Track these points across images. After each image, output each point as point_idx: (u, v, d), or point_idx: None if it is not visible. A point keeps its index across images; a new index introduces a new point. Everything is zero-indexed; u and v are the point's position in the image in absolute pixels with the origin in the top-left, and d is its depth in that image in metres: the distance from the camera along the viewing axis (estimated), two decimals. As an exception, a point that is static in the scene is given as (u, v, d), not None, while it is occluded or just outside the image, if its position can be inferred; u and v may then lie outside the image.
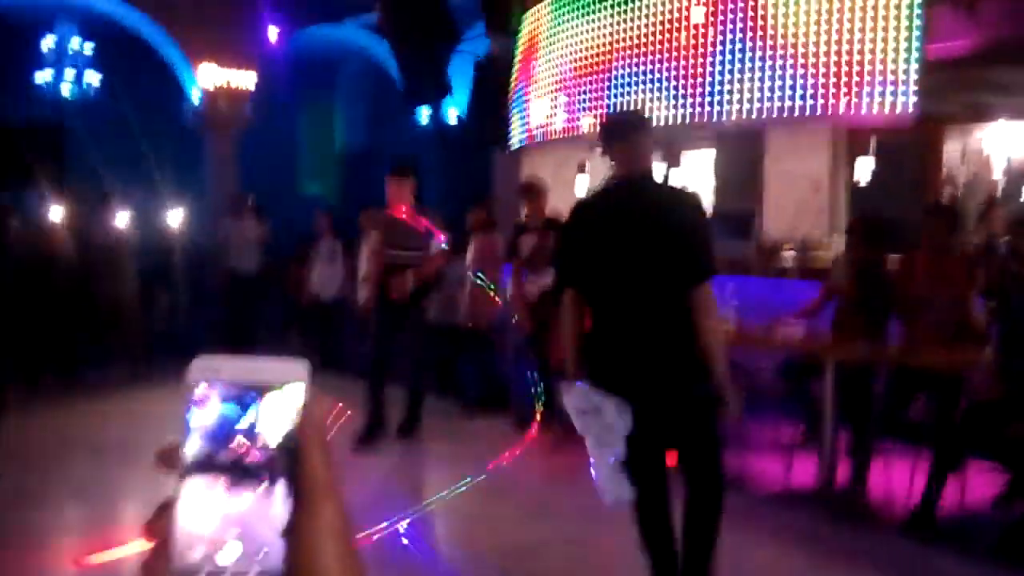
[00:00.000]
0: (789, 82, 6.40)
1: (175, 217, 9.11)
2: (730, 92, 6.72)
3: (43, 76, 11.04)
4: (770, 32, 6.53)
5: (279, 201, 11.24)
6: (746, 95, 6.64)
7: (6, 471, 4.85)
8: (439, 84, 9.53)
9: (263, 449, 0.46)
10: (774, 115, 6.52)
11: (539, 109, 8.70)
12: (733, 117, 6.67)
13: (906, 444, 4.34)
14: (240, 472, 0.46)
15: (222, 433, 0.46)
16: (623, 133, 2.95)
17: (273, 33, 10.11)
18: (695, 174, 9.25)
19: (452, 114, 11.40)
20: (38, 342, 7.52)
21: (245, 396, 0.46)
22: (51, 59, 11.07)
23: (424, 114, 12.51)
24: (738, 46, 6.67)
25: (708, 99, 6.85)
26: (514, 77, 9.29)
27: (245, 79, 11.37)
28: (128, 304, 7.82)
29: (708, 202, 8.80)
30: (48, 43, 11.02)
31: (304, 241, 8.55)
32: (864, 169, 7.21)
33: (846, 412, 4.31)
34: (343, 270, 7.95)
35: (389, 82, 11.63)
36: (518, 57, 9.22)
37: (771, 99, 6.50)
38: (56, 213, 7.86)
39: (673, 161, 9.40)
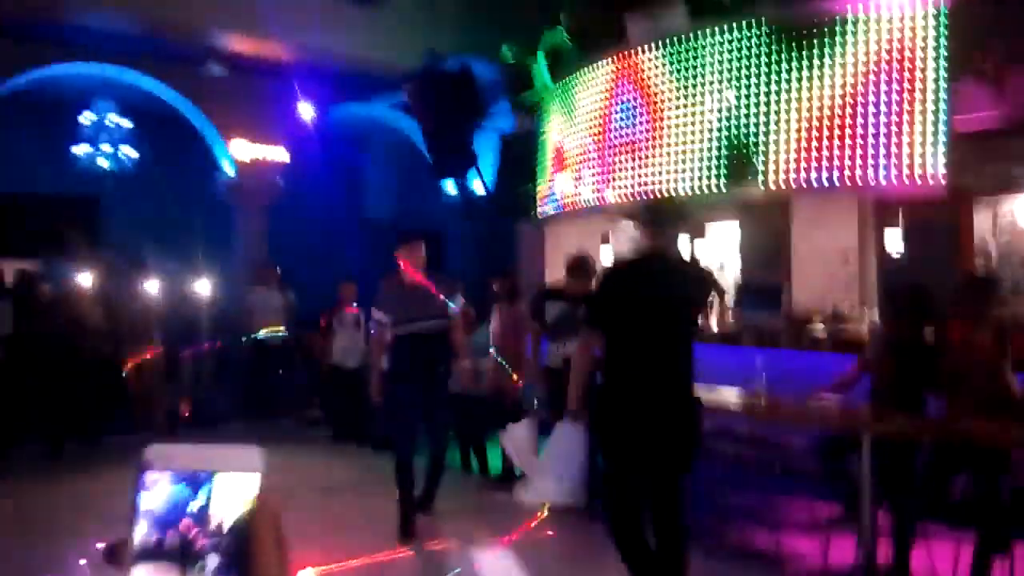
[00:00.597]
0: (815, 153, 6.42)
1: (204, 286, 9.22)
2: (756, 164, 6.75)
3: (81, 149, 11.38)
4: (794, 104, 6.59)
5: (306, 271, 11.36)
6: (771, 166, 6.66)
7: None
8: (465, 158, 9.70)
9: (213, 533, 0.45)
10: (800, 186, 6.52)
11: (564, 181, 8.80)
12: (760, 188, 6.68)
13: (949, 524, 4.15)
14: (188, 556, 0.45)
15: (171, 516, 0.45)
16: (660, 222, 3.61)
17: (305, 111, 10.41)
18: (720, 246, 9.23)
19: (477, 186, 11.57)
20: (63, 407, 7.54)
21: (196, 480, 0.46)
22: (89, 133, 11.43)
23: (450, 186, 12.69)
24: (762, 118, 6.73)
25: (733, 172, 6.88)
26: (540, 150, 9.44)
27: (276, 153, 11.66)
28: (153, 371, 7.86)
29: (733, 274, 8.77)
30: (87, 118, 11.40)
31: (328, 310, 8.59)
32: (894, 240, 7.15)
33: (885, 489, 4.14)
34: (365, 339, 7.95)
35: (416, 155, 11.87)
36: (544, 130, 9.38)
37: (796, 170, 6.51)
38: (87, 281, 7.98)
39: (697, 233, 9.41)
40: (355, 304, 8.13)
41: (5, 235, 11.69)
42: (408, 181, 14.36)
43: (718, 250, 9.29)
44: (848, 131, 6.33)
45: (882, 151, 6.23)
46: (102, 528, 4.94)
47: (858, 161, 6.30)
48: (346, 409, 8.26)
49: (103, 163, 11.55)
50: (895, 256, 7.12)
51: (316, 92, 11.24)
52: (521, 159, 9.76)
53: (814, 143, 6.47)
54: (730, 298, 7.87)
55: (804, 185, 6.52)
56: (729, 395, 4.95)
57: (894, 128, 6.21)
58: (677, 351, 3.42)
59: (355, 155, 15.28)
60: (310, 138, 11.08)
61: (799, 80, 6.55)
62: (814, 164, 6.45)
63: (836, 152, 6.37)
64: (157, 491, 0.46)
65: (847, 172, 6.34)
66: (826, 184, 6.38)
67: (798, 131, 6.55)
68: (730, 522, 4.74)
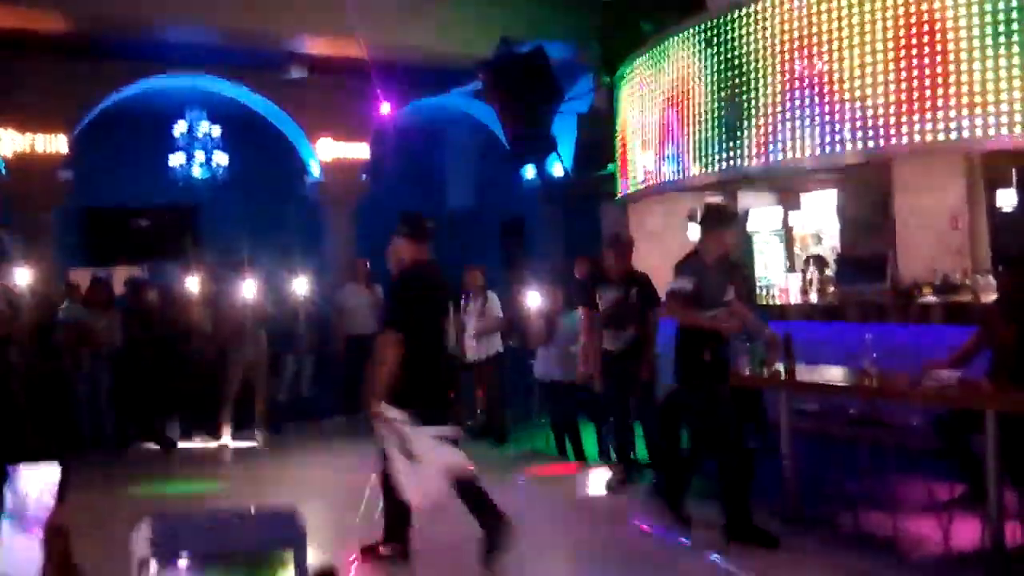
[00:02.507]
0: (917, 111, 6.04)
1: (299, 285, 9.48)
2: (852, 126, 6.41)
3: (176, 159, 11.88)
4: (891, 59, 6.21)
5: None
6: (869, 128, 6.31)
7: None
8: (543, 142, 9.60)
9: None
10: (903, 147, 6.16)
11: (646, 159, 8.61)
12: (858, 150, 6.34)
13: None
14: None
15: None
16: (713, 224, 4.57)
17: (385, 108, 10.54)
18: (816, 216, 8.85)
19: (557, 169, 11.47)
20: (174, 407, 7.91)
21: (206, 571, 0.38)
22: (183, 143, 11.92)
23: (530, 171, 12.64)
24: (856, 77, 6.38)
25: (828, 136, 6.55)
26: (619, 128, 9.26)
27: (359, 151, 11.87)
28: (259, 370, 8.14)
29: (832, 245, 8.39)
30: (180, 128, 11.89)
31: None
32: (1006, 201, 6.68)
33: (1011, 468, 3.88)
34: (453, 327, 8.00)
35: (495, 142, 11.86)
36: (622, 108, 9.20)
37: (898, 130, 6.14)
38: (191, 285, 8.31)
39: (792, 203, 9.05)
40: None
41: (113, 245, 12.36)
42: (488, 169, 14.39)
43: (814, 220, 8.92)
44: (953, 87, 5.93)
45: (990, 106, 5.81)
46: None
47: (964, 117, 5.90)
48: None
49: (197, 171, 12.04)
50: (1007, 216, 6.66)
51: (395, 87, 11.37)
52: (600, 139, 9.60)
53: (915, 101, 6.08)
54: (830, 271, 7.54)
55: (907, 145, 6.15)
56: (836, 374, 4.74)
57: (1003, 81, 5.78)
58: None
59: (435, 146, 15.41)
60: (391, 133, 11.22)
61: (896, 34, 6.17)
62: (916, 123, 6.08)
63: (940, 108, 5.97)
64: None
65: (953, 129, 5.94)
66: (930, 141, 6.00)
67: (898, 89, 6.17)
68: (844, 506, 4.55)
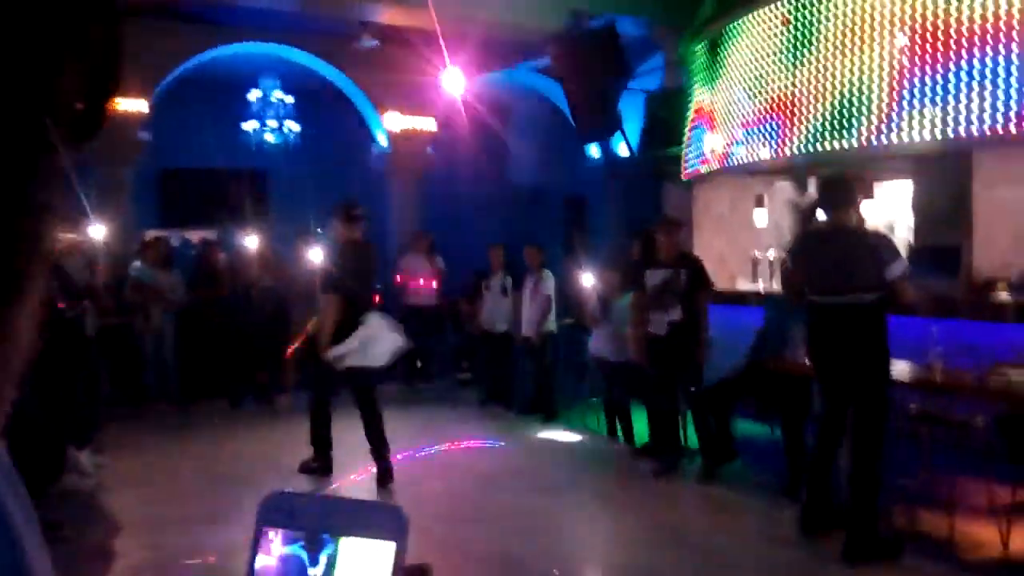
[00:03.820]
0: (1001, 97, 5.74)
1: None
2: (931, 114, 6.14)
3: (249, 126, 12.16)
4: (974, 45, 5.92)
5: (456, 237, 11.62)
6: (949, 116, 6.04)
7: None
8: (610, 120, 9.49)
9: None
10: (984, 135, 5.88)
11: (715, 140, 8.43)
12: (937, 139, 6.07)
13: None
14: None
15: None
16: (838, 201, 4.20)
17: (453, 80, 10.56)
18: (890, 206, 8.55)
19: (623, 149, 11.33)
20: (239, 365, 8.16)
21: (318, 543, 0.40)
22: (257, 110, 12.19)
23: (594, 149, 12.52)
24: (939, 64, 6.10)
25: (905, 124, 6.30)
26: (690, 108, 9.08)
27: (426, 124, 11.95)
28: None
29: (905, 236, 8.10)
30: (254, 96, 12.15)
31: (477, 275, 8.76)
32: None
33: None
34: (513, 304, 8.04)
35: (560, 120, 11.77)
36: (693, 87, 9.01)
37: (979, 117, 5.86)
38: (257, 246, 8.52)
39: (865, 194, 8.75)
40: (502, 269, 8.22)
41: (185, 206, 12.75)
42: (553, 146, 14.30)
43: (888, 211, 8.62)
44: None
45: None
46: (277, 478, 5.32)
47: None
48: (495, 372, 8.43)
49: (269, 138, 12.30)
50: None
51: (463, 61, 11.37)
52: (668, 118, 9.43)
53: (999, 89, 5.79)
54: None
55: (988, 135, 5.86)
56: (900, 368, 4.59)
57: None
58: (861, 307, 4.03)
59: (501, 121, 15.39)
60: (458, 107, 11.25)
61: (983, 18, 5.87)
62: (1000, 110, 5.78)
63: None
64: (273, 552, 0.40)
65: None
66: (1014, 132, 5.71)
67: (981, 76, 5.88)
68: (900, 503, 4.43)
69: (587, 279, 7.20)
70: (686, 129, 9.11)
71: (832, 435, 4.17)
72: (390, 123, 11.80)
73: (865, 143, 6.56)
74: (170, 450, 6.41)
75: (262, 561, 0.40)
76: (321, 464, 5.59)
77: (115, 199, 9.94)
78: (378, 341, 5.29)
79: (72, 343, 5.07)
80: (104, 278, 7.36)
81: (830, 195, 4.26)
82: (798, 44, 7.20)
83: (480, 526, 4.64)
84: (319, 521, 0.41)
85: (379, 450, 5.35)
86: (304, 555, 0.40)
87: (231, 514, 4.60)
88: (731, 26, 8.07)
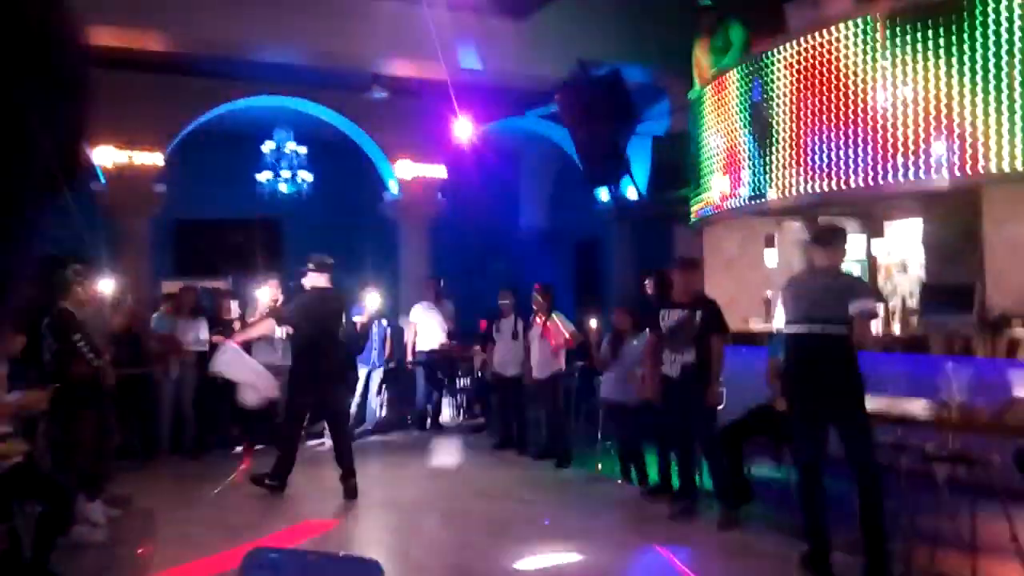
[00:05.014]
0: (1009, 136, 5.77)
1: (372, 300, 9.69)
2: (939, 153, 6.17)
3: (264, 176, 12.37)
4: (983, 84, 5.97)
5: (466, 282, 11.68)
6: (955, 156, 6.06)
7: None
8: (617, 164, 9.59)
9: None
10: (992, 174, 5.89)
11: (722, 182, 8.48)
12: (945, 177, 6.09)
13: None
14: None
15: None
16: (826, 242, 4.47)
17: (462, 128, 10.74)
18: (900, 244, 8.54)
19: (632, 192, 11.43)
20: (253, 415, 8.14)
21: None
22: (270, 161, 12.42)
23: (604, 193, 12.62)
24: (943, 103, 6.15)
25: (912, 163, 6.32)
26: (695, 151, 9.16)
27: (436, 171, 12.12)
28: (334, 379, 8.32)
29: (916, 274, 8.07)
30: (268, 147, 12.38)
31: (488, 320, 8.77)
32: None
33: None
34: (525, 347, 8.03)
35: (569, 164, 11.91)
36: (700, 130, 9.10)
37: (986, 157, 5.88)
38: (269, 295, 8.54)
39: (875, 232, 8.76)
40: (513, 312, 8.23)
41: (200, 256, 12.90)
42: (562, 190, 14.44)
43: (898, 249, 8.61)
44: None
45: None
46: (285, 526, 5.27)
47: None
48: (507, 417, 8.38)
49: (283, 188, 12.49)
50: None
51: (472, 109, 11.58)
52: (675, 162, 9.51)
53: (1007, 125, 5.81)
54: (913, 301, 7.24)
55: (997, 173, 5.87)
56: (915, 406, 4.54)
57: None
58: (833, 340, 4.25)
59: (509, 167, 15.57)
60: (467, 154, 11.41)
61: (989, 58, 5.93)
62: (1008, 149, 5.80)
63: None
64: None
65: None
66: (1020, 169, 5.72)
67: (988, 115, 5.91)
68: (919, 544, 4.34)
69: (598, 321, 7.20)
70: (693, 172, 9.18)
71: (816, 473, 4.29)
72: (401, 171, 11.97)
73: (871, 183, 6.58)
74: (182, 500, 6.38)
75: None
76: (278, 484, 6.26)
77: (133, 250, 10.09)
78: (256, 383, 6.44)
79: (78, 393, 5.10)
80: (123, 329, 7.43)
81: (820, 239, 4.54)
82: (802, 87, 7.28)
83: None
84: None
85: (347, 469, 6.22)
86: None
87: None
88: (736, 69, 8.19)
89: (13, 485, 4.14)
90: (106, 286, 6.65)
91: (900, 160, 6.37)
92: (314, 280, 6.45)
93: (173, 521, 5.72)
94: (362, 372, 9.09)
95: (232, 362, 6.43)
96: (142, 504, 6.11)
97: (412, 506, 6.10)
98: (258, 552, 0.36)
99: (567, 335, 7.56)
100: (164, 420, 8.13)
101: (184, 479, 7.18)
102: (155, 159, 10.29)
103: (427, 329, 9.44)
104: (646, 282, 6.79)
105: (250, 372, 6.52)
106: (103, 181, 10.01)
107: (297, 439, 6.53)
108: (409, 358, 9.59)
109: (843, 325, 4.16)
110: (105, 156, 9.89)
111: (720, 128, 8.52)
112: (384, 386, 9.58)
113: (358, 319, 7.82)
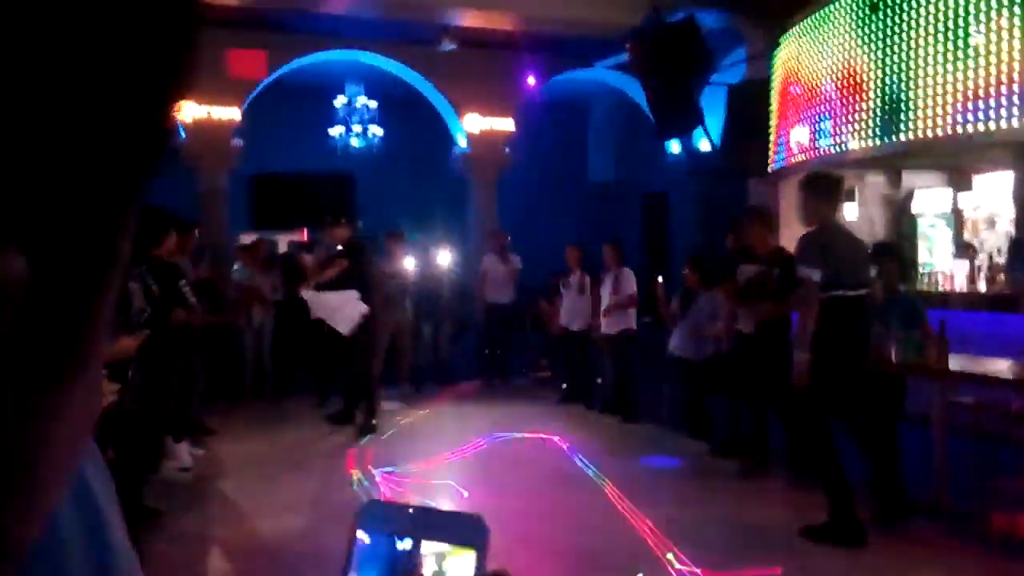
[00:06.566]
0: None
1: (443, 254, 9.80)
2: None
3: (336, 131, 12.55)
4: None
5: (534, 236, 11.67)
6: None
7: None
8: (690, 116, 9.33)
9: None
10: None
11: (800, 133, 8.19)
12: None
13: None
14: None
15: None
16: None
17: (530, 81, 10.63)
18: (989, 198, 8.13)
19: (704, 144, 11.14)
20: (327, 362, 8.41)
21: (403, 548, 0.44)
22: (343, 115, 12.57)
23: (675, 145, 12.34)
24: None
25: (1006, 110, 5.97)
26: (773, 101, 8.84)
27: (505, 124, 12.05)
28: (404, 332, 8.53)
29: (1008, 230, 7.69)
30: (340, 102, 12.52)
31: (555, 274, 8.77)
32: None
33: None
34: (591, 302, 8.01)
35: (640, 116, 11.67)
36: (776, 80, 8.78)
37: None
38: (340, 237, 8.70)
39: (963, 185, 8.35)
40: (579, 267, 8.20)
41: (275, 209, 13.24)
42: (631, 142, 14.17)
43: (987, 203, 8.20)
44: None
45: None
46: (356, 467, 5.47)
47: None
48: (574, 371, 8.42)
49: (355, 142, 12.65)
50: None
51: (541, 61, 11.41)
52: (751, 112, 9.21)
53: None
54: (1002, 257, 6.91)
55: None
56: (999, 366, 4.37)
57: None
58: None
59: (579, 119, 15.36)
60: (536, 106, 11.30)
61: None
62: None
63: None
64: (364, 555, 0.44)
65: None
66: None
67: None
68: (996, 506, 4.21)
69: (661, 278, 7.12)
70: (771, 122, 8.89)
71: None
72: (469, 125, 11.95)
73: (958, 131, 6.25)
74: (263, 441, 6.68)
75: (354, 563, 0.44)
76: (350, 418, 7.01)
77: (212, 202, 10.43)
78: (342, 311, 6.76)
79: (171, 340, 5.35)
80: (205, 278, 7.73)
81: (822, 191, 4.33)
82: (888, 32, 6.92)
83: (556, 523, 4.65)
84: (409, 528, 0.44)
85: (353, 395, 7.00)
86: (391, 556, 0.44)
87: (318, 501, 4.77)
88: (819, 15, 7.83)
89: (104, 426, 4.40)
90: (190, 237, 6.90)
91: (991, 104, 6.02)
92: (343, 232, 7.26)
93: (257, 461, 6.01)
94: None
95: (313, 304, 6.86)
96: (227, 445, 6.43)
97: (479, 458, 6.23)
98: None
99: (627, 295, 7.49)
100: (247, 367, 8.48)
101: (265, 421, 7.50)
102: (232, 114, 10.53)
103: (495, 282, 9.50)
104: (728, 236, 6.64)
105: (329, 308, 6.86)
106: (183, 135, 10.32)
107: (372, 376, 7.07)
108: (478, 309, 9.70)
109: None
110: (185, 111, 10.17)
111: (799, 77, 8.19)
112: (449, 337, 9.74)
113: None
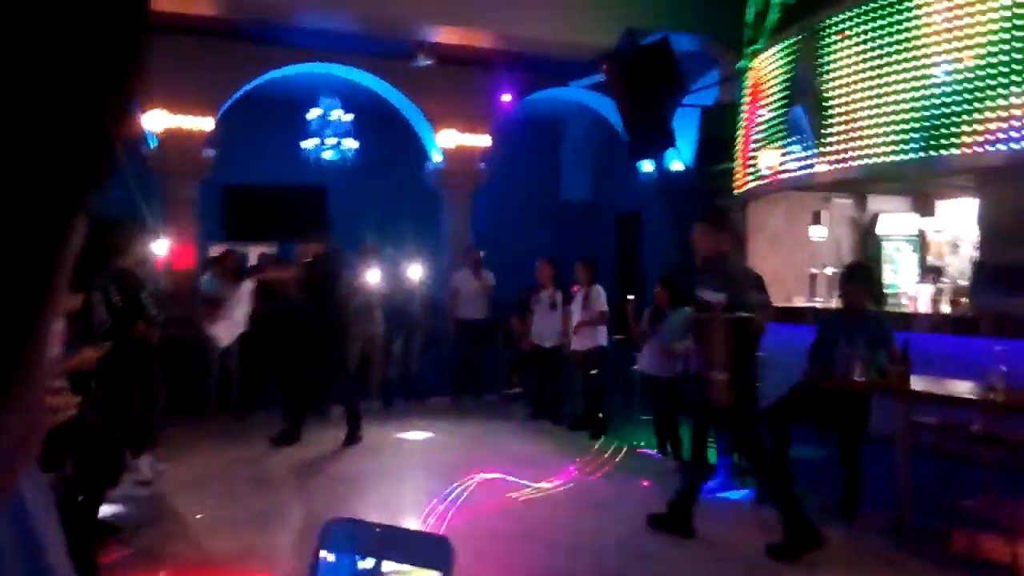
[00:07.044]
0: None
1: (415, 269, 9.77)
2: (996, 127, 5.95)
3: (309, 143, 12.47)
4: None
5: (506, 253, 11.68)
6: (1012, 130, 5.83)
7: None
8: (663, 136, 9.44)
9: None
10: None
11: (769, 155, 8.31)
12: (1002, 151, 5.88)
13: None
14: None
15: None
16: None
17: (506, 98, 10.66)
18: (952, 224, 8.31)
19: (676, 164, 11.27)
20: (296, 377, 8.32)
21: (366, 569, 0.43)
22: (316, 128, 12.50)
23: (647, 165, 12.45)
24: (1000, 70, 5.91)
25: (969, 137, 6.11)
26: (742, 124, 8.98)
27: (480, 140, 12.08)
28: (375, 345, 8.47)
29: (971, 254, 7.85)
30: (314, 114, 12.46)
31: (527, 291, 8.78)
32: None
33: None
34: (563, 319, 8.03)
35: (614, 136, 11.77)
36: (745, 103, 8.92)
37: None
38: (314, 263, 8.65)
39: (925, 211, 8.53)
40: (552, 284, 8.22)
41: (246, 222, 13.11)
42: (605, 162, 14.29)
43: (950, 228, 8.37)
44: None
45: None
46: (325, 482, 5.40)
47: None
48: (544, 387, 8.42)
49: (328, 155, 12.58)
50: None
51: (517, 78, 11.47)
52: (723, 134, 9.34)
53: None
54: (964, 280, 7.04)
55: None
56: (961, 387, 4.44)
57: None
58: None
59: (552, 138, 15.45)
60: (510, 123, 11.34)
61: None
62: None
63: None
64: (327, 573, 0.44)
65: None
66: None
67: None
68: (959, 526, 4.27)
69: (632, 296, 7.17)
70: (739, 144, 9.01)
71: None
72: (444, 140, 11.96)
73: (925, 157, 6.38)
74: (226, 457, 6.57)
75: None
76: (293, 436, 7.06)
77: (182, 213, 10.30)
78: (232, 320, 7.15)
79: (132, 352, 5.25)
80: (172, 290, 7.64)
81: (719, 223, 4.80)
82: (855, 57, 7.06)
83: (528, 542, 4.62)
84: (373, 547, 0.43)
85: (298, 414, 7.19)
86: None
87: (282, 518, 4.69)
88: (787, 39, 7.98)
89: (65, 438, 4.30)
90: (157, 247, 6.82)
91: (954, 132, 6.16)
92: (313, 249, 7.57)
93: (219, 476, 5.91)
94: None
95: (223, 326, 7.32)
96: (189, 460, 6.31)
97: (450, 471, 6.19)
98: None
99: (597, 312, 7.51)
100: (211, 380, 8.35)
101: (228, 436, 7.39)
102: (205, 124, 10.44)
103: (466, 298, 9.49)
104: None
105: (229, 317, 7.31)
106: (153, 144, 10.20)
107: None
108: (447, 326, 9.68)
109: None
110: (156, 120, 10.06)
111: (767, 99, 8.33)
112: (423, 352, 9.70)
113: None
